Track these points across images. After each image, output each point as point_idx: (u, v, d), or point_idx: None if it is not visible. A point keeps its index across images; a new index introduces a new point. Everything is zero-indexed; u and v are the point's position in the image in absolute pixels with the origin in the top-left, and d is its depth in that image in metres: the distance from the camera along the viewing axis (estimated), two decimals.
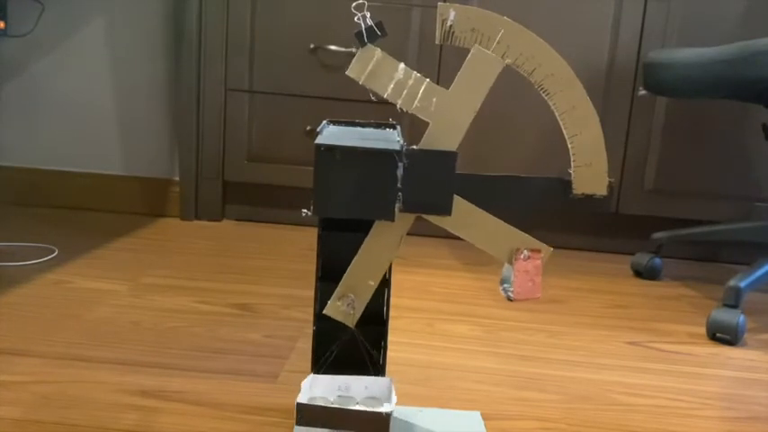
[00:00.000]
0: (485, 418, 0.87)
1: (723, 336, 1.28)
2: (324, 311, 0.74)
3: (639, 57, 1.79)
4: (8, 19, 1.85)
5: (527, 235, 0.72)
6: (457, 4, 0.68)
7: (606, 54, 1.81)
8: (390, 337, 0.79)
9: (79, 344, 1.04)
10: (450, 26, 0.68)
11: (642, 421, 0.93)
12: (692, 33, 1.77)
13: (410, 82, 0.69)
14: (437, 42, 0.70)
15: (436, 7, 0.69)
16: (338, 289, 0.73)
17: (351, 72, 0.70)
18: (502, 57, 0.69)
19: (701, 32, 1.77)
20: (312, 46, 1.82)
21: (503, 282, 0.73)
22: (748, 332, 1.34)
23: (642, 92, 1.59)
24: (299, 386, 0.74)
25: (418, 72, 0.70)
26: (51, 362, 0.97)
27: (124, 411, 0.85)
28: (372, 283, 0.73)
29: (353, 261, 0.73)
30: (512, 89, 1.80)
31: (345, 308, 0.73)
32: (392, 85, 0.70)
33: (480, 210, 0.72)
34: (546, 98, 0.69)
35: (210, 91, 1.87)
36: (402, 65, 0.70)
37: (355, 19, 0.68)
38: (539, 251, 0.72)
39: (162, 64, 1.94)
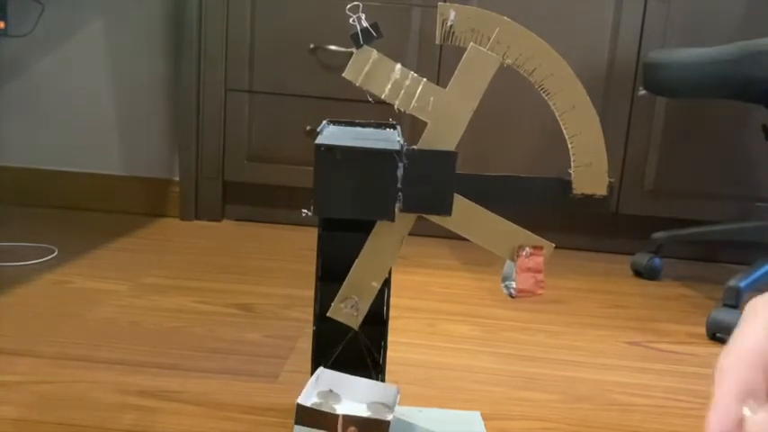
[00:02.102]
0: (485, 418, 0.87)
1: (723, 336, 1.28)
2: (327, 314, 0.74)
3: (639, 57, 1.79)
4: (8, 19, 1.85)
5: (529, 232, 0.72)
6: (457, 4, 0.68)
7: (606, 54, 1.81)
8: (390, 338, 0.79)
9: (79, 344, 1.04)
10: (451, 26, 0.68)
11: (642, 421, 0.93)
12: (692, 33, 1.77)
13: (407, 82, 0.69)
14: (437, 42, 0.70)
15: (436, 7, 0.69)
16: (341, 291, 0.73)
17: (347, 74, 0.70)
18: (502, 57, 0.69)
19: (701, 32, 1.77)
20: (312, 46, 1.82)
21: (504, 279, 0.73)
22: None
23: (642, 92, 1.59)
24: (299, 386, 0.73)
25: (418, 72, 0.70)
26: (51, 362, 0.97)
27: (124, 411, 0.85)
28: (375, 284, 0.73)
29: (356, 263, 0.72)
30: (512, 89, 1.80)
31: (349, 310, 0.73)
32: (389, 86, 0.69)
33: (481, 208, 0.71)
34: (546, 98, 0.69)
35: (210, 91, 1.87)
36: (399, 65, 0.70)
37: (350, 21, 0.68)
38: (541, 248, 0.72)
39: (162, 64, 1.94)
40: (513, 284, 0.72)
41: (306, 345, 1.09)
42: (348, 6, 0.67)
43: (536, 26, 0.70)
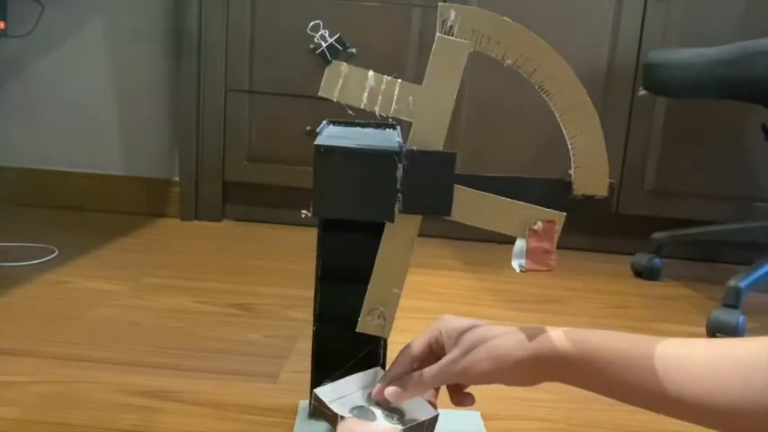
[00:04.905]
0: (485, 418, 0.87)
1: (723, 336, 1.28)
2: (357, 329, 0.74)
3: (639, 57, 1.79)
4: (8, 19, 1.85)
5: (537, 206, 0.71)
6: (457, 5, 0.68)
7: (606, 54, 1.81)
8: (391, 338, 0.79)
9: (79, 344, 1.04)
10: (451, 27, 0.68)
11: (643, 421, 0.93)
12: (691, 33, 1.77)
13: (383, 87, 0.69)
14: None
15: (436, 7, 0.69)
16: (365, 304, 0.73)
17: (322, 92, 0.70)
18: (502, 57, 0.69)
19: (700, 32, 1.77)
20: (312, 46, 1.82)
21: (515, 256, 0.72)
22: (748, 332, 1.34)
23: (642, 92, 1.58)
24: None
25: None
26: (51, 362, 0.97)
27: (124, 411, 0.85)
28: (397, 290, 0.73)
29: (373, 274, 0.72)
30: (512, 89, 1.80)
31: (377, 321, 0.73)
32: (366, 95, 0.69)
33: (482, 193, 0.71)
34: (546, 99, 0.69)
35: (210, 91, 1.87)
36: (371, 72, 0.69)
37: (315, 39, 0.68)
38: (552, 221, 0.71)
39: (162, 64, 1.94)
40: (523, 261, 0.71)
41: (306, 345, 1.09)
42: (310, 25, 0.67)
43: (536, 26, 0.70)
